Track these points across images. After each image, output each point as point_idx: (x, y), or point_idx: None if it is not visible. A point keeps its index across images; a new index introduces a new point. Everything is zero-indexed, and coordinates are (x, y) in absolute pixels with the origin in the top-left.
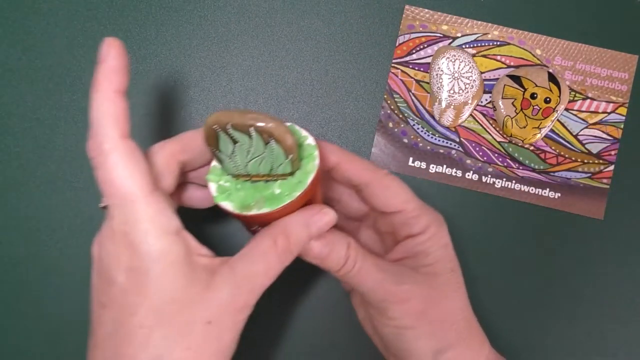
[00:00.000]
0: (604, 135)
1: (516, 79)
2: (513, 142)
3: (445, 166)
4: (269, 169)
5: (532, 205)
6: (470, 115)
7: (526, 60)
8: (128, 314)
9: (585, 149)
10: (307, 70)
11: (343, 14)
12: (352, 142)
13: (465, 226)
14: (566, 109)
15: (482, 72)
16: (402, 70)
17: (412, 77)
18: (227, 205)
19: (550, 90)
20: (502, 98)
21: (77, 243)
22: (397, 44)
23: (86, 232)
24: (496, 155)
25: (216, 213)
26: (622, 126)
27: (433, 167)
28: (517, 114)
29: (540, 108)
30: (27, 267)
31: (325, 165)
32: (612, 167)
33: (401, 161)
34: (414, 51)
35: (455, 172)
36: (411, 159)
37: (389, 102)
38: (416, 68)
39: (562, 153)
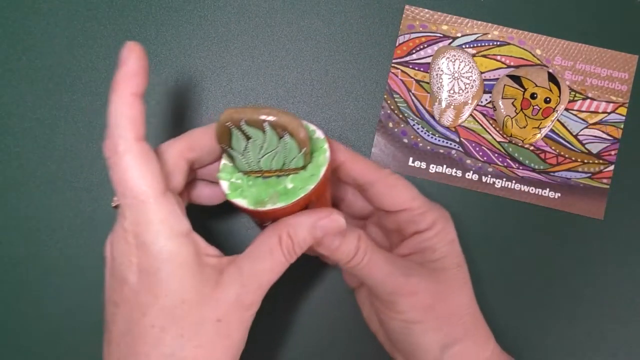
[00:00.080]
0: (604, 135)
1: (516, 79)
2: (513, 142)
3: (445, 166)
4: (281, 163)
5: (532, 205)
6: (470, 115)
7: (526, 60)
8: (140, 313)
9: (585, 149)
10: (307, 70)
11: (343, 14)
12: (352, 142)
13: (465, 226)
14: (566, 109)
15: (482, 72)
16: (402, 70)
17: (412, 77)
18: (241, 202)
19: (550, 90)
20: (502, 98)
21: (77, 243)
22: (397, 44)
23: (86, 232)
24: (496, 155)
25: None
26: (622, 126)
27: (433, 167)
28: (517, 114)
29: (540, 108)
30: (27, 267)
31: (334, 162)
32: (612, 167)
33: (401, 161)
34: (414, 51)
35: (455, 172)
36: (411, 159)
37: (389, 102)
38: (416, 68)
39: (562, 153)
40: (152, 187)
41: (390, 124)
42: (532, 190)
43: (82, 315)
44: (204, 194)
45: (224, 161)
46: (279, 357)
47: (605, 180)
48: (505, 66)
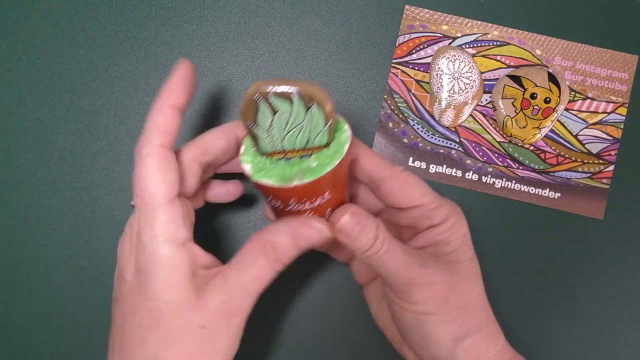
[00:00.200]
0: (604, 135)
1: (516, 79)
2: (513, 142)
3: (445, 166)
4: (305, 140)
5: (532, 205)
6: (470, 115)
7: (526, 60)
8: (131, 311)
9: (585, 149)
10: (307, 70)
11: (343, 14)
12: None
13: None
14: (566, 109)
15: (482, 72)
16: (402, 70)
17: (412, 77)
18: (266, 181)
19: (550, 90)
20: (502, 98)
21: (77, 243)
22: (397, 44)
23: (86, 232)
24: (496, 155)
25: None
26: (622, 126)
27: (433, 167)
28: (517, 114)
29: (540, 108)
30: (27, 267)
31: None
32: (612, 167)
33: (401, 161)
34: (414, 51)
35: (455, 172)
36: (411, 159)
37: (389, 102)
38: (416, 68)
39: (562, 153)
40: (162, 192)
41: (390, 124)
42: (532, 190)
43: (82, 315)
44: (219, 193)
45: (245, 146)
46: (284, 355)
47: (605, 180)
48: (505, 66)
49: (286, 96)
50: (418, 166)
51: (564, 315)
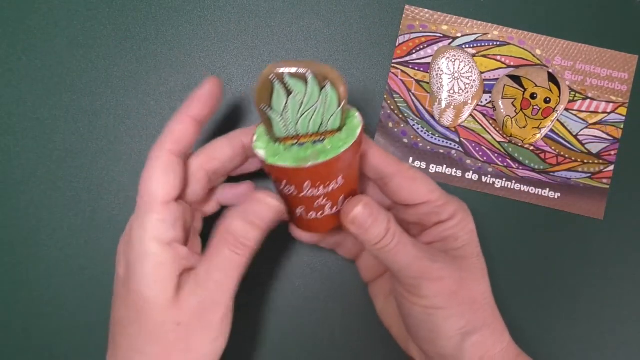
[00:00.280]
0: (604, 135)
1: (516, 79)
2: (513, 142)
3: (445, 166)
4: (319, 123)
5: (532, 205)
6: (470, 115)
7: (526, 60)
8: (119, 306)
9: (585, 149)
10: None
11: (343, 14)
12: None
13: None
14: (566, 109)
15: (482, 72)
16: (402, 70)
17: (412, 77)
18: (282, 163)
19: (550, 90)
20: (502, 98)
21: (77, 243)
22: (397, 44)
23: (86, 232)
24: (496, 155)
25: None
26: (622, 126)
27: (433, 167)
28: (517, 114)
29: (540, 108)
30: (27, 267)
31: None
32: (612, 167)
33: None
34: (414, 51)
35: (455, 172)
36: (411, 159)
37: (389, 102)
38: (416, 68)
39: (562, 153)
40: (160, 194)
41: (390, 124)
42: (532, 190)
43: (82, 315)
44: (227, 197)
45: (257, 134)
46: (284, 355)
47: (605, 180)
48: (505, 66)
49: (301, 76)
50: (418, 166)
51: (564, 315)
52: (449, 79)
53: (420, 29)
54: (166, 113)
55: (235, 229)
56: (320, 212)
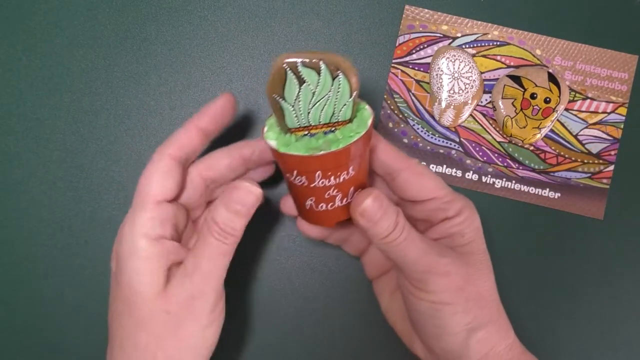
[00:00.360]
0: (604, 135)
1: (516, 79)
2: (513, 142)
3: (445, 166)
4: (330, 114)
5: (532, 205)
6: (470, 115)
7: (526, 60)
8: (113, 299)
9: (585, 149)
10: None
11: (343, 14)
12: None
13: None
14: (566, 109)
15: (482, 72)
16: (402, 70)
17: (412, 77)
18: (294, 152)
19: (550, 90)
20: (502, 98)
21: (77, 243)
22: (397, 44)
23: (86, 232)
24: (496, 155)
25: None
26: (622, 126)
27: (433, 167)
28: (517, 114)
29: (540, 108)
30: (27, 267)
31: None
32: (612, 167)
33: None
34: (414, 51)
35: (455, 172)
36: None
37: (389, 102)
38: (416, 68)
39: (562, 153)
40: (154, 194)
41: (390, 124)
42: (532, 190)
43: (82, 315)
44: None
45: (268, 125)
46: (290, 354)
47: (605, 180)
48: (505, 66)
49: (314, 66)
50: None
51: (564, 315)
52: (449, 79)
53: (420, 29)
54: (166, 113)
55: (220, 218)
56: (330, 204)
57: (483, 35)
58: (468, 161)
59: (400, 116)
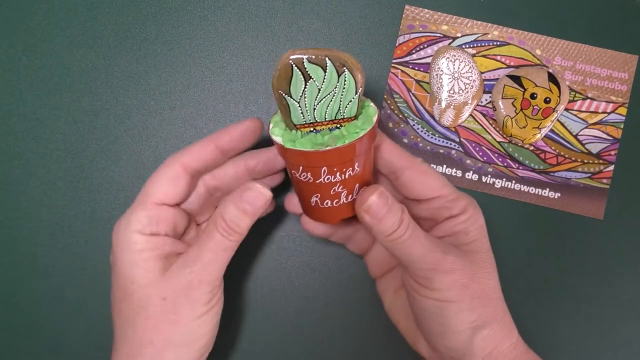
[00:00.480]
0: (604, 135)
1: (516, 79)
2: (513, 142)
3: (445, 166)
4: (335, 110)
5: (532, 205)
6: (470, 115)
7: (526, 60)
8: (112, 286)
9: (585, 149)
10: None
11: (343, 14)
12: None
13: None
14: (566, 109)
15: (482, 72)
16: (402, 70)
17: (412, 77)
18: (300, 147)
19: (550, 90)
20: (502, 98)
21: (77, 243)
22: (397, 44)
23: (86, 232)
24: (496, 155)
25: None
26: (622, 126)
27: (433, 167)
28: (517, 114)
29: (540, 108)
30: (27, 267)
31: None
32: (612, 167)
33: None
34: (414, 51)
35: (455, 172)
36: None
37: (389, 102)
38: (416, 68)
39: (562, 153)
40: (156, 196)
41: (390, 124)
42: (532, 190)
43: (82, 315)
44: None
45: (273, 122)
46: (290, 354)
47: (605, 180)
48: (505, 66)
49: (320, 62)
50: None
51: (564, 315)
52: (449, 79)
53: (420, 29)
54: (166, 113)
55: (228, 216)
56: (335, 200)
57: (483, 35)
58: (468, 161)
59: (400, 116)
